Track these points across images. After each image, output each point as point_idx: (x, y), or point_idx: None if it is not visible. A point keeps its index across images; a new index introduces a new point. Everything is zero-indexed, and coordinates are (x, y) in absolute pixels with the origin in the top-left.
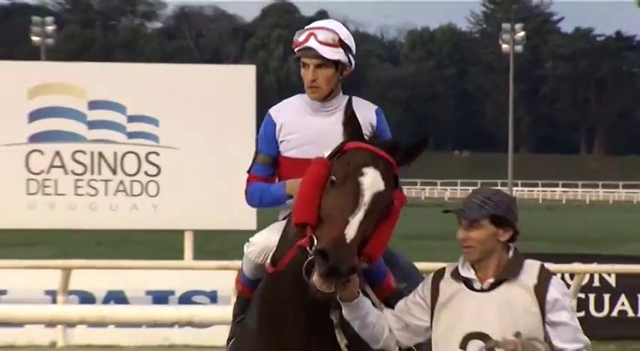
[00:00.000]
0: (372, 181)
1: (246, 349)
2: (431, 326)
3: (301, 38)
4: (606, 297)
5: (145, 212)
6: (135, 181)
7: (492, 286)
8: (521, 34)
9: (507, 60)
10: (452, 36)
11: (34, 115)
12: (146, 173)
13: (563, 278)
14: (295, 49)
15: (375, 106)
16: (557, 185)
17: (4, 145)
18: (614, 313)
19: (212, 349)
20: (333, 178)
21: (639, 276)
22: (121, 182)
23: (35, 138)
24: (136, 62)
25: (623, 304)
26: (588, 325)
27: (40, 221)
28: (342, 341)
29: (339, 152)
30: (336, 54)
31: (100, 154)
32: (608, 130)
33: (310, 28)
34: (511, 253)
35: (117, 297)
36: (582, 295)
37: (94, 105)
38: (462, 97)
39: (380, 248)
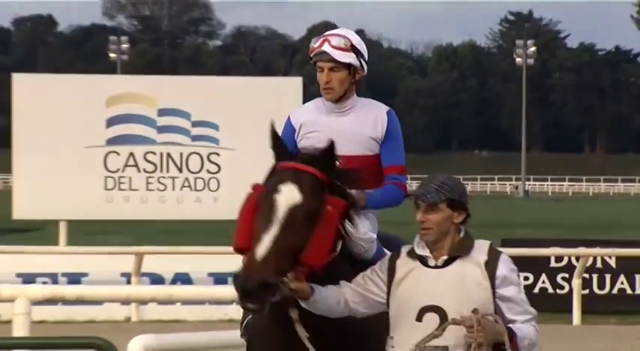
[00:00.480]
0: (286, 196)
1: (256, 330)
2: (387, 302)
3: (316, 44)
4: (607, 277)
5: (206, 205)
6: (198, 177)
7: (446, 263)
8: (533, 49)
9: (520, 71)
10: (472, 51)
11: (111, 122)
12: (208, 171)
13: (569, 261)
14: (311, 55)
15: (387, 108)
16: (564, 180)
17: (86, 147)
18: (615, 291)
19: None
20: (260, 198)
21: (637, 258)
22: (186, 179)
23: (112, 141)
24: (199, 75)
25: (622, 283)
26: (592, 301)
27: (116, 213)
28: (303, 336)
29: (270, 174)
30: (348, 58)
31: (169, 155)
32: (608, 131)
33: (324, 35)
34: (462, 234)
35: (182, 278)
36: (586, 275)
37: (163, 112)
38: (481, 104)
39: (318, 254)
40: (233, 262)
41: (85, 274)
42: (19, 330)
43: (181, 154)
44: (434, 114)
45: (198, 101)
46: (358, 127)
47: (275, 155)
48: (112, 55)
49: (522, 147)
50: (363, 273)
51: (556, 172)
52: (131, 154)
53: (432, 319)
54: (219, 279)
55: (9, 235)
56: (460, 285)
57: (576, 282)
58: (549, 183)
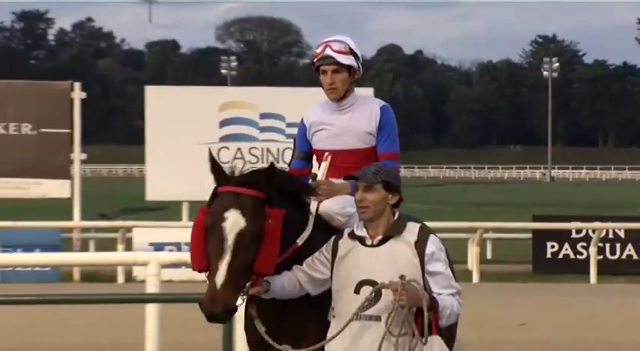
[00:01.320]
0: (232, 223)
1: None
2: (331, 278)
3: (319, 50)
4: (617, 245)
5: None
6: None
7: (381, 242)
8: (556, 64)
9: (547, 82)
10: (508, 66)
11: (223, 123)
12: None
13: (587, 232)
14: (315, 60)
15: (383, 103)
16: (582, 168)
17: (203, 143)
18: (624, 257)
19: None
20: (207, 225)
21: None
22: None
23: (224, 138)
24: (292, 87)
25: (629, 250)
26: (605, 264)
27: None
28: (261, 329)
29: (212, 198)
30: (348, 60)
31: (268, 150)
32: (617, 130)
33: (325, 41)
34: (396, 216)
35: None
36: (601, 244)
37: (263, 116)
38: (515, 109)
39: (268, 263)
40: None
41: None
42: (152, 288)
43: (278, 149)
44: (477, 117)
45: (291, 107)
46: (356, 123)
47: (215, 178)
48: (223, 71)
49: (548, 142)
50: (312, 255)
51: (576, 162)
52: (238, 149)
53: (367, 291)
54: None
55: (143, 213)
56: (392, 262)
57: (592, 249)
58: (570, 171)
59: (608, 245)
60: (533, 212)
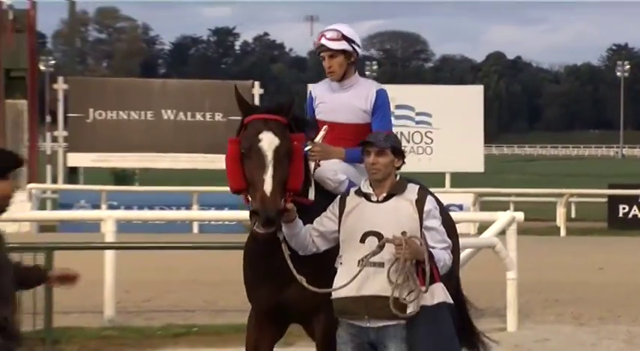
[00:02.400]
0: (268, 142)
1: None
2: (339, 231)
3: (316, 39)
4: None
5: (424, 162)
6: (419, 146)
7: (385, 199)
8: (628, 67)
9: (620, 81)
10: (589, 68)
11: None
12: (425, 142)
13: None
14: (316, 49)
15: (379, 87)
16: None
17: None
18: None
19: None
20: (243, 150)
21: None
22: (412, 147)
23: None
24: (419, 85)
25: None
26: None
27: None
28: (286, 252)
29: (241, 127)
30: (340, 45)
31: (401, 133)
32: None
33: (321, 32)
34: (398, 177)
35: None
36: None
37: (398, 107)
38: (594, 101)
39: (297, 179)
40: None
41: None
42: None
43: (409, 132)
44: (564, 107)
45: (419, 100)
46: (353, 101)
47: (242, 110)
48: (367, 73)
49: (620, 127)
50: (322, 214)
51: None
52: None
53: (372, 241)
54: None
55: None
56: (395, 216)
57: None
58: (638, 149)
59: None
60: (608, 181)
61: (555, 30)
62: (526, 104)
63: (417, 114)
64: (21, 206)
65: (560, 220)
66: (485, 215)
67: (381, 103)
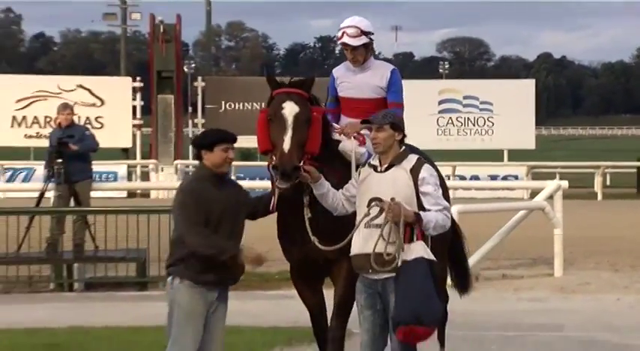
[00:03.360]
0: (289, 109)
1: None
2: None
3: (339, 35)
4: None
5: (486, 142)
6: (482, 129)
7: (386, 169)
8: None
9: None
10: (622, 65)
11: (440, 102)
12: (487, 126)
13: None
14: (338, 42)
15: (392, 67)
16: None
17: (429, 114)
18: None
19: None
20: (269, 117)
21: None
22: (477, 130)
23: (441, 111)
24: (481, 79)
25: None
26: None
27: (444, 145)
28: (307, 214)
29: (270, 100)
30: (361, 41)
31: (468, 118)
32: None
33: (342, 28)
34: (401, 149)
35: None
36: None
37: (465, 97)
38: (626, 91)
39: (315, 144)
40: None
41: None
42: None
43: (475, 117)
44: (601, 97)
45: (482, 92)
46: (371, 79)
47: (271, 85)
48: (440, 70)
49: None
50: (349, 182)
51: None
52: (449, 118)
53: (375, 206)
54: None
55: None
56: (393, 184)
57: None
58: None
59: None
60: (637, 155)
61: (595, 34)
62: (570, 95)
63: (481, 103)
64: (170, 177)
65: (598, 187)
66: (537, 184)
67: (395, 80)
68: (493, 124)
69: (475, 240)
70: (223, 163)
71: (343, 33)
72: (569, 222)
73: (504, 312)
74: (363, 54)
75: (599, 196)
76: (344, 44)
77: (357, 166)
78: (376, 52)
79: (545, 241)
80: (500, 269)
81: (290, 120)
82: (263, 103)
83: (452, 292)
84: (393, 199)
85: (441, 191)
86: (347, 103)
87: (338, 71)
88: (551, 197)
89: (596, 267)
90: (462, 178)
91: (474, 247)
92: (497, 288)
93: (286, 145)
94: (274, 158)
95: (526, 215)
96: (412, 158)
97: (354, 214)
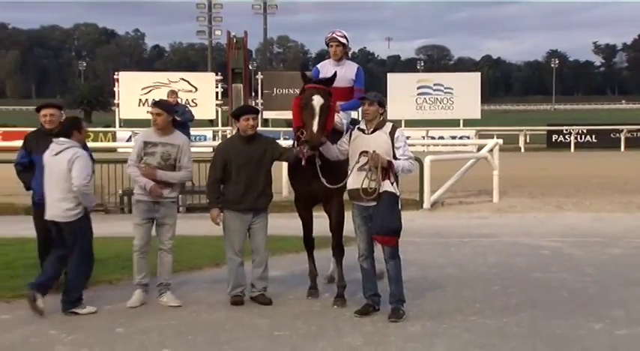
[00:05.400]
0: (317, 101)
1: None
2: (349, 151)
3: (329, 35)
4: None
5: (446, 114)
6: (445, 105)
7: (372, 132)
8: None
9: None
10: (538, 63)
11: (419, 88)
12: (448, 102)
13: None
14: (327, 41)
15: (358, 65)
16: None
17: (406, 97)
18: None
19: None
20: (303, 104)
21: None
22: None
23: (418, 94)
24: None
25: None
26: None
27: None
28: (317, 163)
29: (302, 91)
30: (343, 40)
31: (437, 98)
32: None
33: (331, 31)
34: (382, 119)
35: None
36: None
37: (435, 84)
38: (540, 80)
39: (330, 124)
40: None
41: None
42: None
43: (441, 97)
44: (523, 84)
45: (446, 80)
46: (346, 73)
47: (303, 80)
48: (418, 67)
49: None
50: (340, 140)
51: None
52: (424, 98)
53: (363, 156)
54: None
55: None
56: (377, 141)
57: None
58: None
59: None
60: (547, 122)
61: (520, 42)
62: (502, 83)
63: (445, 88)
64: None
65: (521, 144)
66: (481, 141)
67: (360, 74)
68: (453, 102)
69: (441, 179)
70: (246, 128)
71: (332, 33)
72: (503, 166)
73: (460, 226)
74: (342, 51)
75: (522, 150)
76: (333, 39)
77: (346, 131)
78: (350, 54)
79: (487, 179)
80: (457, 198)
81: (317, 109)
82: (298, 90)
83: (425, 213)
84: (374, 151)
85: (407, 147)
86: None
87: (322, 65)
88: (491, 150)
89: (520, 195)
90: (432, 138)
91: (440, 183)
92: (455, 210)
93: (315, 127)
94: (304, 134)
95: (474, 163)
96: (389, 125)
97: (346, 165)
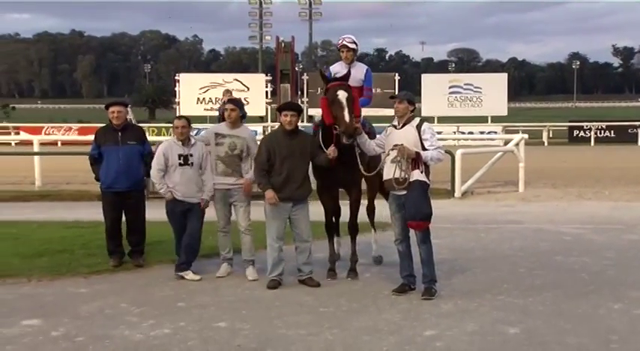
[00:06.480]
0: (342, 94)
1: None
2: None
3: (340, 41)
4: None
5: (475, 111)
6: (474, 102)
7: (402, 127)
8: None
9: None
10: (560, 64)
11: (450, 87)
12: (477, 100)
13: None
14: (339, 47)
15: (367, 67)
16: None
17: (439, 95)
18: None
19: None
20: (330, 100)
21: None
22: (473, 103)
23: (450, 93)
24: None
25: None
26: None
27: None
28: (357, 152)
29: (326, 90)
30: (353, 46)
31: (467, 97)
32: None
33: (343, 38)
34: (411, 115)
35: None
36: None
37: (465, 84)
38: (562, 80)
39: (357, 111)
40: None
41: None
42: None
43: (470, 96)
44: (546, 84)
45: (475, 80)
46: (356, 73)
47: (324, 81)
48: (449, 69)
49: None
50: (378, 136)
51: None
52: (455, 96)
53: (394, 150)
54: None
55: None
56: (406, 135)
57: None
58: None
59: None
60: (568, 119)
61: (543, 45)
62: (527, 83)
63: (475, 87)
64: None
65: (545, 138)
66: (508, 136)
67: (369, 75)
68: (482, 101)
69: (470, 170)
70: (286, 123)
71: (343, 39)
72: (528, 159)
73: (488, 213)
74: (352, 55)
75: (546, 144)
76: (344, 46)
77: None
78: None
79: (513, 171)
80: (486, 188)
81: (344, 101)
82: None
83: (456, 201)
84: (402, 144)
85: (435, 138)
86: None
87: (334, 67)
88: (517, 144)
89: (544, 186)
90: (462, 133)
91: (470, 174)
92: (484, 199)
93: (346, 117)
94: (338, 128)
95: (502, 156)
96: (417, 119)
97: (379, 157)
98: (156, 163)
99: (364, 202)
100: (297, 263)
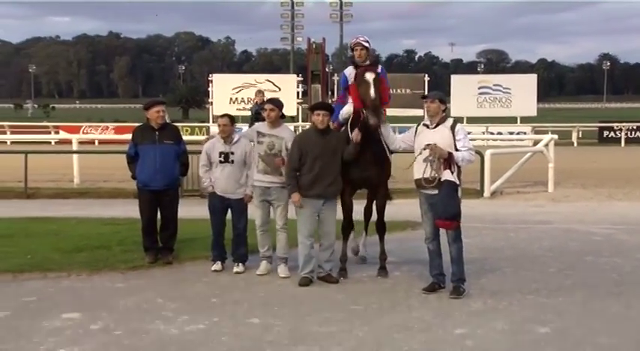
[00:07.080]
0: (369, 75)
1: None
2: (413, 144)
3: (354, 40)
4: None
5: (504, 111)
6: (503, 103)
7: (435, 126)
8: None
9: None
10: (590, 65)
11: (480, 88)
12: (507, 101)
13: None
14: (352, 45)
15: (381, 66)
16: None
17: (468, 96)
18: None
19: None
20: (358, 82)
21: None
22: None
23: (479, 93)
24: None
25: None
26: None
27: (483, 113)
28: (383, 141)
29: (356, 75)
30: (366, 45)
31: (496, 97)
32: None
33: (356, 37)
34: (444, 114)
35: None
36: None
37: (495, 85)
38: (591, 81)
39: (385, 96)
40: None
41: None
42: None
43: (499, 97)
44: (575, 85)
45: (504, 81)
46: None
47: (354, 68)
48: (478, 69)
49: None
50: (405, 133)
51: None
52: (485, 97)
53: (426, 149)
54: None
55: None
56: (439, 135)
57: None
58: None
59: None
60: (598, 119)
61: (572, 46)
62: (556, 84)
63: (504, 88)
64: None
65: (574, 139)
66: (537, 136)
67: (384, 72)
68: (511, 101)
69: (500, 170)
70: (318, 122)
71: (357, 38)
72: (557, 160)
73: (518, 213)
74: (366, 54)
75: (575, 144)
76: (357, 44)
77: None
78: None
79: (542, 171)
80: (515, 188)
81: (371, 81)
82: None
83: (486, 201)
84: (435, 144)
85: (468, 139)
86: (355, 88)
87: (348, 71)
88: (546, 145)
89: (573, 186)
90: (492, 133)
91: (499, 174)
92: (513, 199)
93: (372, 94)
94: (364, 113)
95: (531, 156)
96: (450, 120)
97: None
98: (201, 160)
99: (363, 203)
100: (318, 260)
